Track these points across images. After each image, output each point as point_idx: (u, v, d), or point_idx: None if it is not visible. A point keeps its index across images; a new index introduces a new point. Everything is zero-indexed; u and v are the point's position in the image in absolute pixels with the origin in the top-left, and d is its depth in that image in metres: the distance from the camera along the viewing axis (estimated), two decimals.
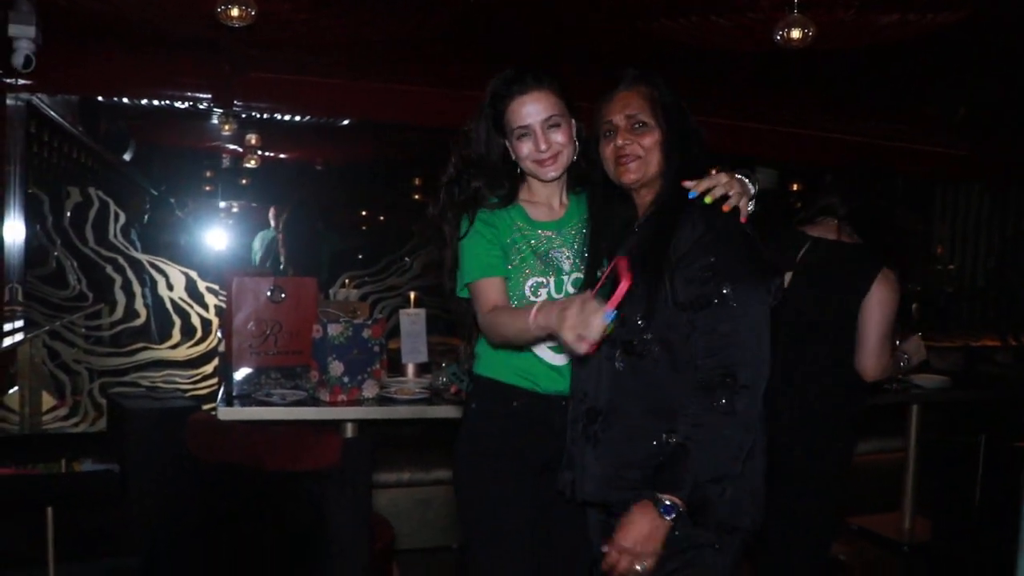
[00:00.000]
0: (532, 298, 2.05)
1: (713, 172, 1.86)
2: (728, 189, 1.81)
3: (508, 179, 2.11)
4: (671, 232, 1.80)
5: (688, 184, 1.83)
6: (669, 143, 1.89)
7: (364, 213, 11.87)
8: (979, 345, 6.33)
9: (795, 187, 9.30)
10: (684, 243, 1.77)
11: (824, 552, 2.97)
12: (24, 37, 4.15)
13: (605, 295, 1.64)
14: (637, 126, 1.89)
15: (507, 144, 2.07)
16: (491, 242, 2.06)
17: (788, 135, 6.74)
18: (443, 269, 2.17)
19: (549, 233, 2.11)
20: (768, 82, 5.75)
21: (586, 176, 2.12)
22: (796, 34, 3.63)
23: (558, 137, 2.03)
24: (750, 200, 1.87)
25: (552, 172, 2.06)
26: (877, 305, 2.66)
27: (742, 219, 1.82)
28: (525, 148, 2.04)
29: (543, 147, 2.02)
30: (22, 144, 4.75)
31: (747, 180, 1.89)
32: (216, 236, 8.18)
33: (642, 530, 1.70)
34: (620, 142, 1.89)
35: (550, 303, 1.73)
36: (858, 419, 2.86)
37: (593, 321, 1.54)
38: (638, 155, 1.89)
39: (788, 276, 2.68)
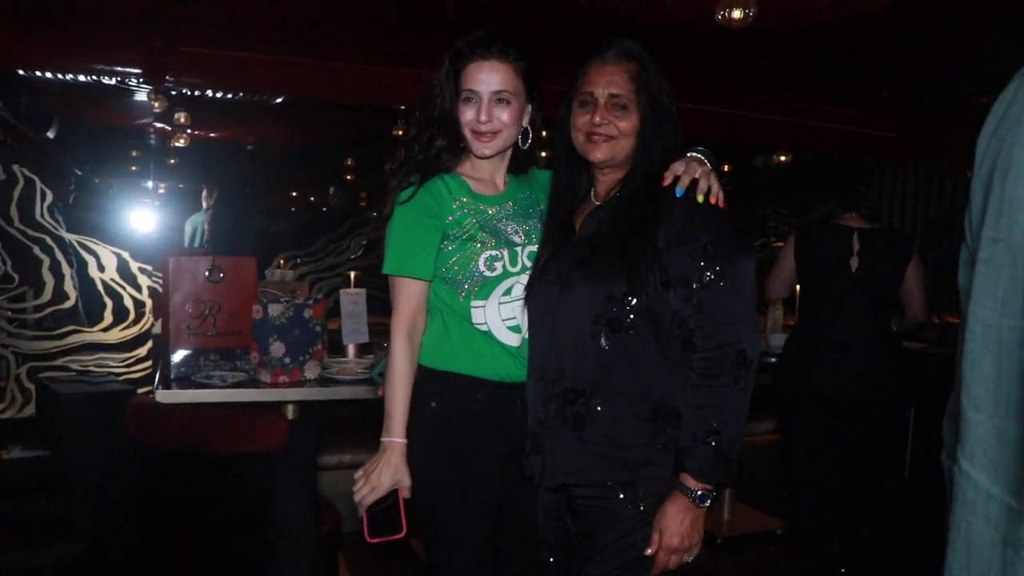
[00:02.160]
0: (488, 273, 1.96)
1: (682, 163, 1.80)
2: (709, 179, 1.77)
3: (462, 142, 2.01)
4: (654, 214, 1.75)
5: (669, 179, 1.77)
6: (646, 129, 1.84)
7: (294, 194, 11.68)
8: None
9: (725, 168, 9.38)
10: (674, 223, 1.73)
11: None
12: None
13: None
14: (618, 107, 1.83)
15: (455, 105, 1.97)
16: (426, 226, 1.95)
17: (722, 115, 6.80)
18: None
19: (493, 208, 2.02)
20: (703, 63, 5.80)
21: (526, 164, 2.09)
22: (737, 14, 3.63)
23: (503, 115, 1.95)
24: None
25: (486, 150, 1.98)
26: (917, 268, 3.42)
27: (721, 204, 1.77)
28: (468, 114, 1.95)
29: (483, 118, 1.94)
30: None
31: (707, 160, 1.84)
32: (144, 218, 7.97)
33: (685, 526, 1.70)
34: (597, 119, 1.83)
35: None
36: None
37: None
38: (611, 136, 1.83)
39: (855, 261, 3.36)
